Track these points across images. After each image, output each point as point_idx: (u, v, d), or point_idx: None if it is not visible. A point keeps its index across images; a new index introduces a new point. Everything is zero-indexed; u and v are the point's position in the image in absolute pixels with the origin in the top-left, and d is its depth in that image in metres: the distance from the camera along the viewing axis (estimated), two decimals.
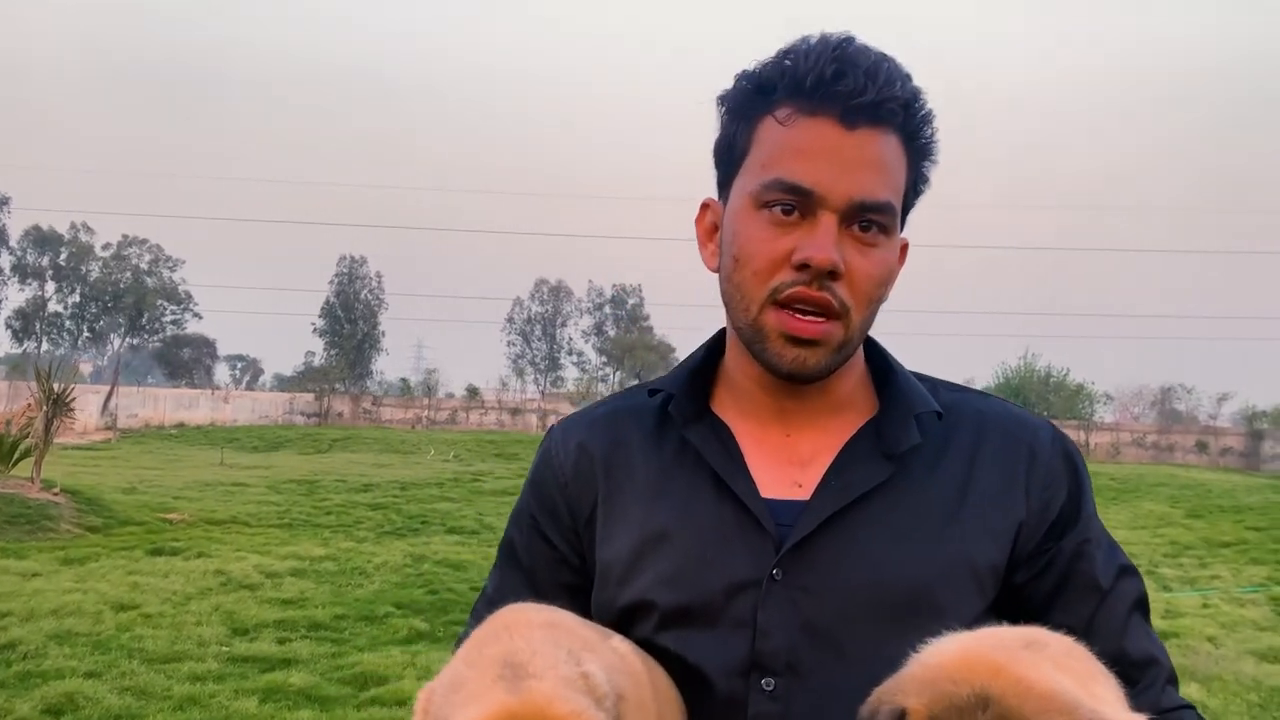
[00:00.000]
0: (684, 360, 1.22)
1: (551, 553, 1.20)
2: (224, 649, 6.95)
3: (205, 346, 71.02)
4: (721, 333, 1.21)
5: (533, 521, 1.22)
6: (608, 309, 72.60)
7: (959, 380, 1.25)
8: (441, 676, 0.95)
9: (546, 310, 72.26)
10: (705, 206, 1.18)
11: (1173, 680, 1.10)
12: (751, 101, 1.09)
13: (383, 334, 69.10)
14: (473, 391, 54.01)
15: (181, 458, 25.49)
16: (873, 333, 1.16)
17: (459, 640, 1.05)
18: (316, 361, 64.93)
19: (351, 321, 67.46)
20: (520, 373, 71.94)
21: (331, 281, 68.54)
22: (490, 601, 1.15)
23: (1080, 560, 1.10)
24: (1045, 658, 0.85)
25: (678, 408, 1.16)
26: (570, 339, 72.17)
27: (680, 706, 1.06)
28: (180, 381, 62.91)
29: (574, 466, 1.19)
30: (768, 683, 1.04)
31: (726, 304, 1.13)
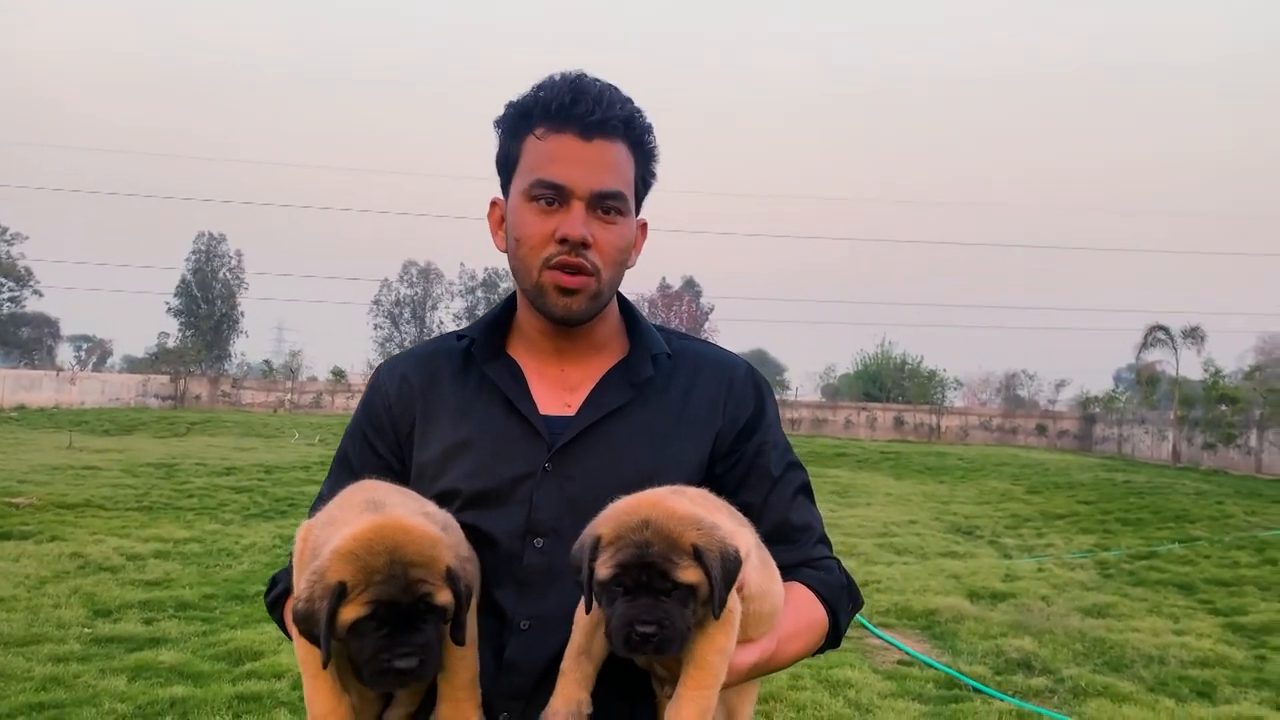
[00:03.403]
0: (485, 314, 1.61)
1: (378, 460, 1.55)
2: (86, 630, 6.75)
3: (47, 325, 66.75)
4: (514, 294, 1.60)
5: (364, 436, 1.58)
6: (480, 292, 71.72)
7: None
8: (317, 518, 1.33)
9: (416, 293, 70.84)
10: (494, 204, 1.58)
11: (823, 541, 1.58)
12: (517, 124, 1.49)
13: (242, 314, 66.37)
14: (338, 374, 52.50)
15: (24, 441, 23.98)
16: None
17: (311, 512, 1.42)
18: (171, 343, 61.75)
19: (209, 301, 64.50)
20: (388, 356, 70.27)
21: (188, 259, 65.37)
22: (324, 500, 1.46)
23: (760, 457, 1.54)
24: (686, 497, 1.29)
25: (479, 350, 1.55)
26: (441, 322, 70.97)
27: (474, 553, 1.42)
28: (19, 362, 58.90)
29: (398, 393, 1.57)
30: (538, 542, 1.44)
31: (515, 275, 1.52)
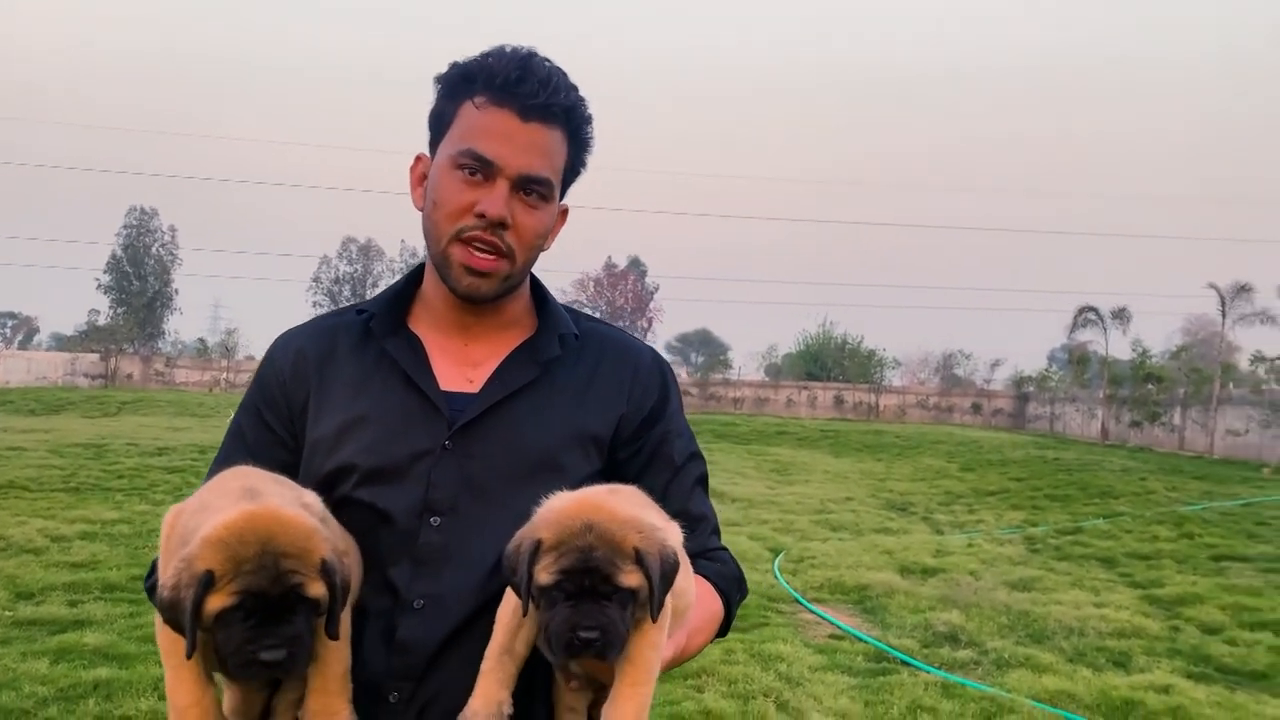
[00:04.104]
0: (388, 287, 1.57)
1: (271, 436, 1.52)
2: (7, 613, 6.58)
3: None
4: (422, 265, 1.58)
5: (257, 411, 1.54)
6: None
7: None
8: (188, 503, 1.29)
9: (356, 270, 69.71)
10: (418, 159, 1.53)
11: (717, 532, 1.59)
12: (458, 86, 1.44)
13: (176, 292, 64.67)
14: None
15: None
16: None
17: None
18: (102, 320, 60.00)
19: (141, 278, 62.75)
20: None
21: (119, 234, 63.49)
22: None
23: (664, 445, 1.55)
24: (622, 498, 1.29)
25: (378, 325, 1.52)
26: None
27: (355, 547, 1.40)
28: None
29: (292, 367, 1.53)
30: (435, 520, 1.42)
31: (425, 236, 1.49)
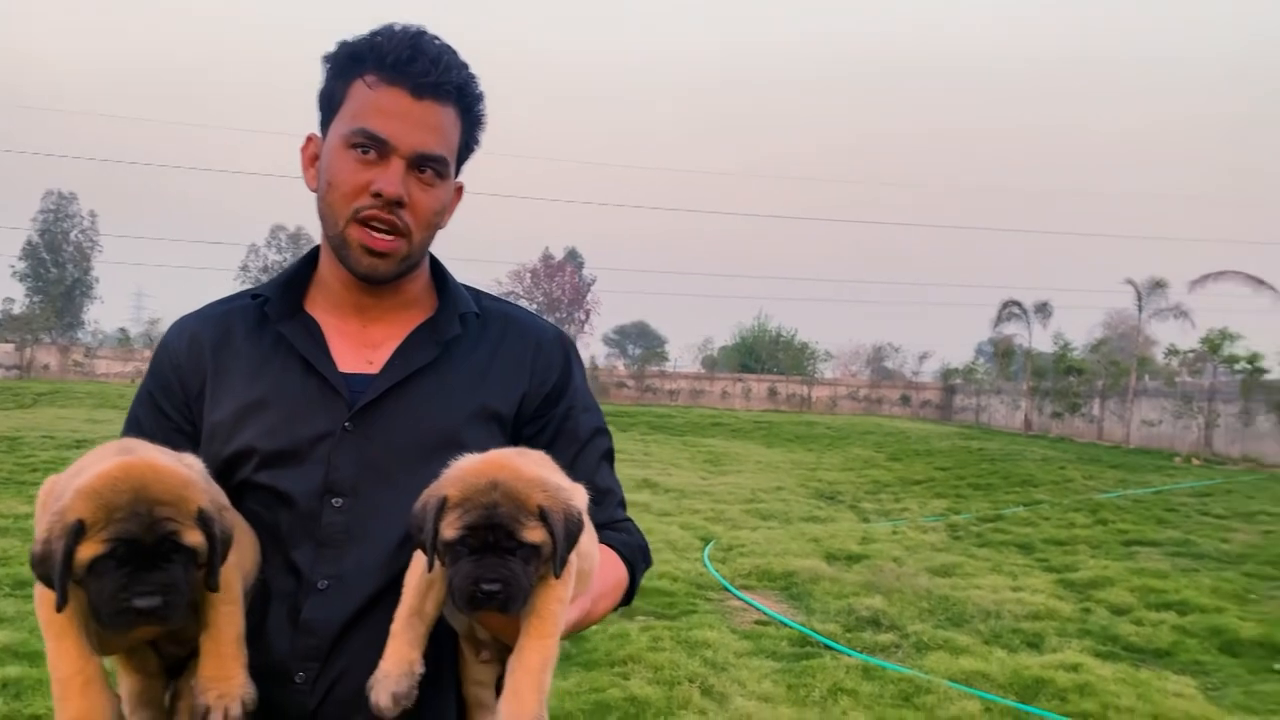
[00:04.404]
0: (282, 272, 1.56)
1: (167, 423, 1.51)
2: None
3: None
4: (317, 248, 1.56)
5: (151, 399, 1.53)
6: None
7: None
8: (65, 471, 1.26)
9: (285, 259, 68.22)
10: (309, 140, 1.52)
11: (622, 504, 1.62)
12: (348, 65, 1.44)
13: (96, 280, 62.64)
14: None
15: None
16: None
17: None
18: (17, 309, 57.86)
19: (59, 265, 60.64)
20: None
21: (35, 219, 61.21)
22: None
23: (567, 421, 1.57)
24: (530, 459, 1.32)
25: (273, 309, 1.51)
26: None
27: (235, 511, 1.37)
28: None
29: (187, 353, 1.52)
30: (337, 501, 1.42)
31: (321, 218, 1.46)
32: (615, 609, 1.55)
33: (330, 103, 1.47)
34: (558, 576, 1.25)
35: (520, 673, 1.25)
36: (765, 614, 7.53)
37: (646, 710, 5.18)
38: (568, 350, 1.62)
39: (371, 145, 1.41)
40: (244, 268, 67.01)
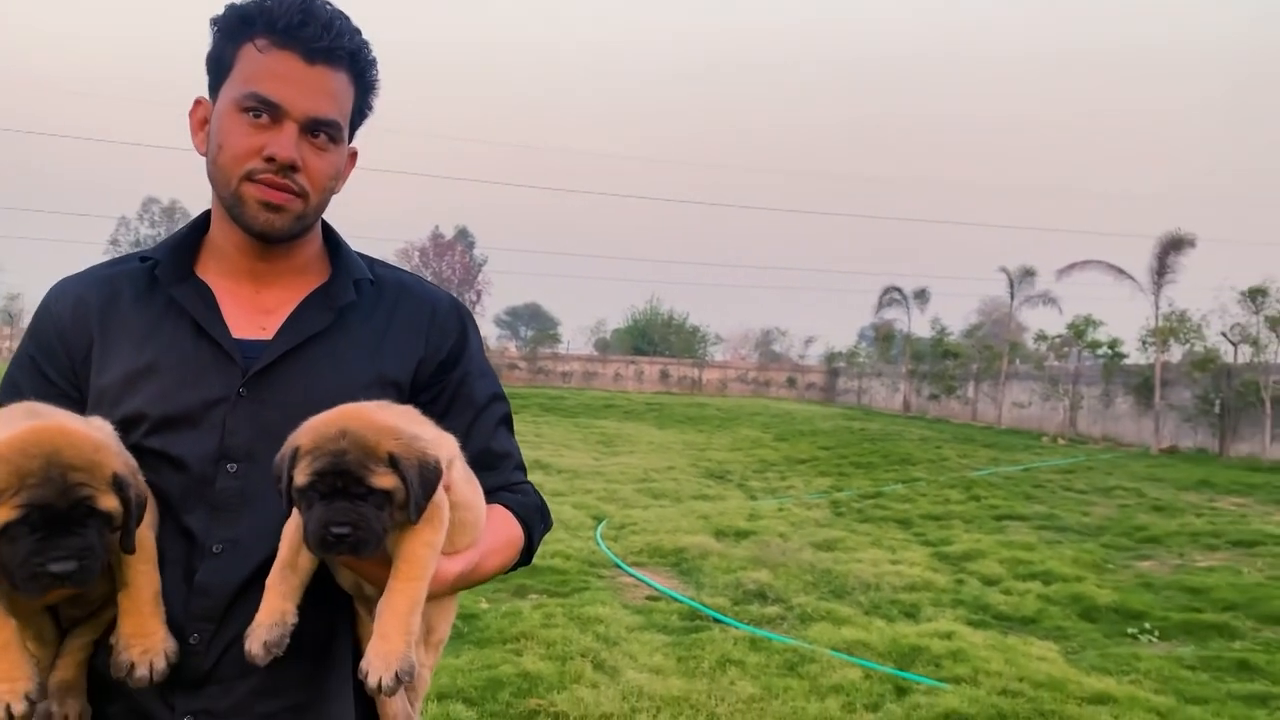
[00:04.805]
0: (171, 235, 1.55)
1: (50, 387, 1.47)
2: None
3: None
4: (207, 212, 1.54)
5: (32, 362, 1.50)
6: None
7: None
8: None
9: (158, 233, 65.17)
10: (198, 103, 1.50)
11: (521, 468, 1.66)
12: (237, 28, 1.42)
13: None
14: None
15: None
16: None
17: None
18: None
19: None
20: None
21: None
22: None
23: (463, 387, 1.59)
24: (389, 412, 1.34)
25: (164, 272, 1.49)
26: None
27: (141, 473, 1.35)
28: None
29: (71, 315, 1.49)
30: (231, 466, 1.42)
31: (212, 181, 1.45)
32: (514, 568, 1.59)
33: (219, 66, 1.45)
34: (414, 521, 1.28)
35: (388, 615, 1.28)
36: (656, 589, 7.66)
37: (539, 685, 5.22)
38: (463, 317, 1.64)
39: (264, 109, 1.40)
40: (113, 242, 63.76)
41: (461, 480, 1.40)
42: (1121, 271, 26.73)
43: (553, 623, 6.37)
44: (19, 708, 1.18)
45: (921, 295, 38.53)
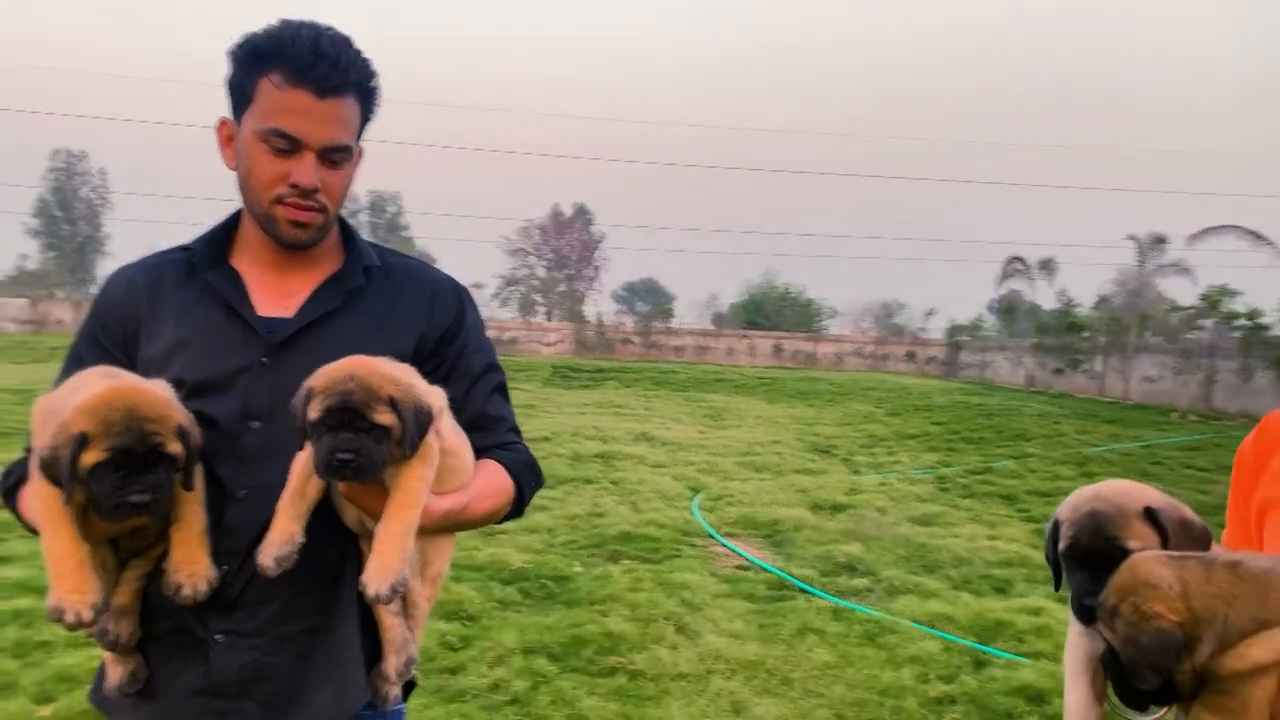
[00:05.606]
0: (209, 230, 1.80)
1: (106, 356, 1.72)
2: None
3: None
4: (239, 210, 1.78)
5: (94, 337, 1.76)
6: (364, 216, 69.75)
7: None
8: (56, 391, 1.57)
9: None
10: (223, 122, 1.73)
11: (514, 430, 1.88)
12: (252, 62, 1.65)
13: (108, 236, 63.00)
14: None
15: None
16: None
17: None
18: (31, 265, 58.32)
19: (71, 222, 60.96)
20: None
21: (45, 178, 61.36)
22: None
23: (461, 358, 1.82)
24: (392, 366, 1.57)
25: (199, 260, 1.75)
26: None
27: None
28: None
29: (125, 296, 1.77)
30: (255, 424, 1.67)
31: (244, 198, 1.74)
32: (506, 518, 1.81)
33: (240, 93, 1.67)
34: (409, 455, 1.52)
35: (384, 536, 1.53)
36: (745, 559, 7.83)
37: (621, 644, 5.48)
38: (461, 297, 1.87)
39: (285, 144, 1.63)
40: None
41: (449, 429, 1.65)
42: (1260, 237, 25.14)
43: (640, 587, 6.63)
44: (88, 615, 1.47)
45: (1047, 265, 37.12)
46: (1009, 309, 40.95)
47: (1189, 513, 1.44)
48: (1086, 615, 1.39)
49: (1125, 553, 1.34)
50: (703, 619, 6.08)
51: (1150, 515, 1.36)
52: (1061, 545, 1.39)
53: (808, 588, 6.96)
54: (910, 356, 47.66)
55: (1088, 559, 1.45)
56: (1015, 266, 38.24)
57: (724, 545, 8.31)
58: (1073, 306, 35.31)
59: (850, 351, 48.28)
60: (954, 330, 48.44)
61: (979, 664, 5.51)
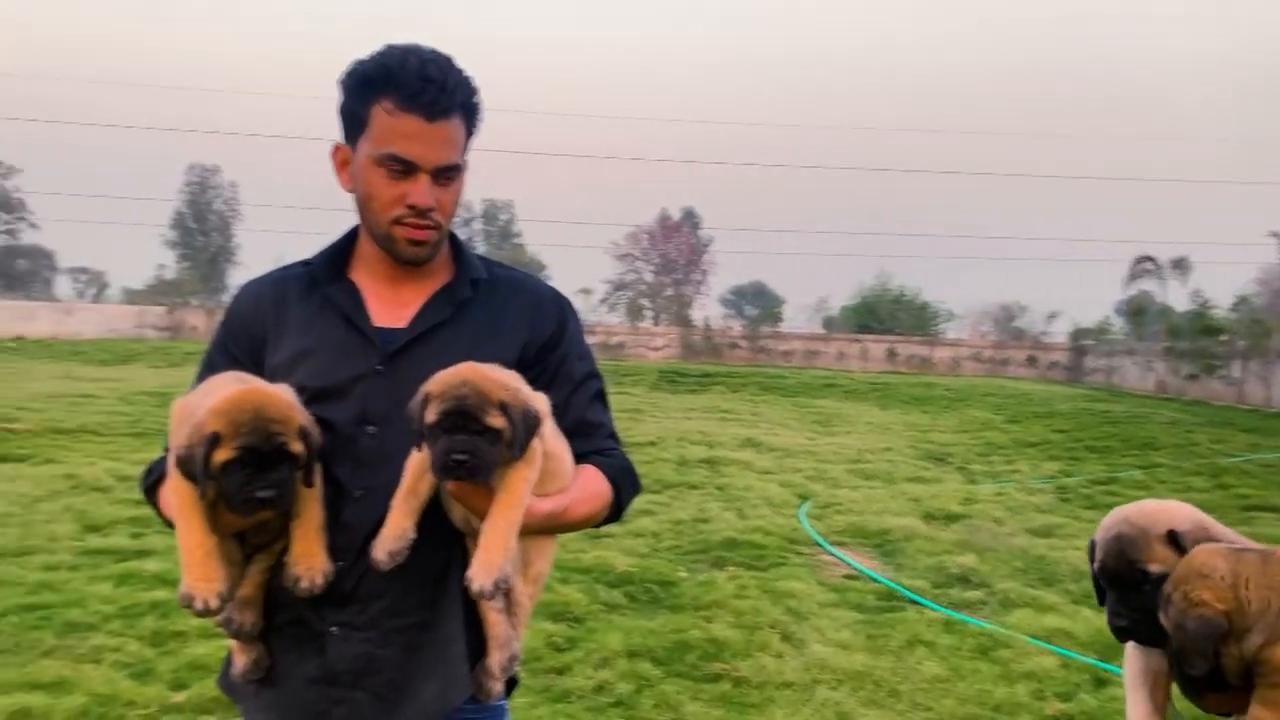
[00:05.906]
0: (328, 246, 1.90)
1: (236, 364, 1.83)
2: (77, 544, 7.16)
3: (44, 258, 66.77)
4: (356, 226, 1.88)
5: (225, 346, 1.89)
6: (478, 224, 71.53)
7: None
8: (191, 394, 1.69)
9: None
10: (338, 148, 1.82)
11: (613, 436, 1.93)
12: (362, 89, 1.74)
13: (238, 246, 66.38)
14: None
15: (21, 370, 24.40)
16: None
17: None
18: (168, 274, 61.93)
19: (205, 233, 64.49)
20: None
21: (181, 191, 65.08)
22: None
23: (563, 366, 1.89)
24: (501, 372, 1.64)
25: (320, 274, 1.86)
26: None
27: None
28: (16, 294, 59.10)
29: (253, 308, 1.89)
30: (371, 429, 1.76)
31: (363, 219, 1.80)
32: (604, 522, 1.86)
33: (354, 120, 1.77)
34: (518, 457, 1.59)
35: (490, 533, 1.59)
36: (854, 568, 7.69)
37: (725, 651, 5.46)
38: (563, 307, 1.94)
39: (400, 167, 1.72)
40: None
41: (551, 434, 1.71)
42: None
43: (745, 594, 6.59)
44: (214, 603, 1.58)
45: (1180, 265, 35.34)
46: (1138, 311, 39.12)
47: (1221, 531, 1.45)
48: (1119, 635, 1.41)
49: (1146, 576, 1.38)
50: (809, 628, 6.00)
51: (1173, 538, 1.38)
52: (1094, 567, 1.41)
53: (918, 598, 6.79)
54: (1031, 361, 45.98)
55: (1114, 581, 1.48)
56: (1145, 266, 36.57)
57: (832, 554, 8.18)
58: (1208, 308, 33.49)
59: (968, 356, 46.91)
60: (1078, 334, 46.53)
61: (1099, 682, 5.28)
